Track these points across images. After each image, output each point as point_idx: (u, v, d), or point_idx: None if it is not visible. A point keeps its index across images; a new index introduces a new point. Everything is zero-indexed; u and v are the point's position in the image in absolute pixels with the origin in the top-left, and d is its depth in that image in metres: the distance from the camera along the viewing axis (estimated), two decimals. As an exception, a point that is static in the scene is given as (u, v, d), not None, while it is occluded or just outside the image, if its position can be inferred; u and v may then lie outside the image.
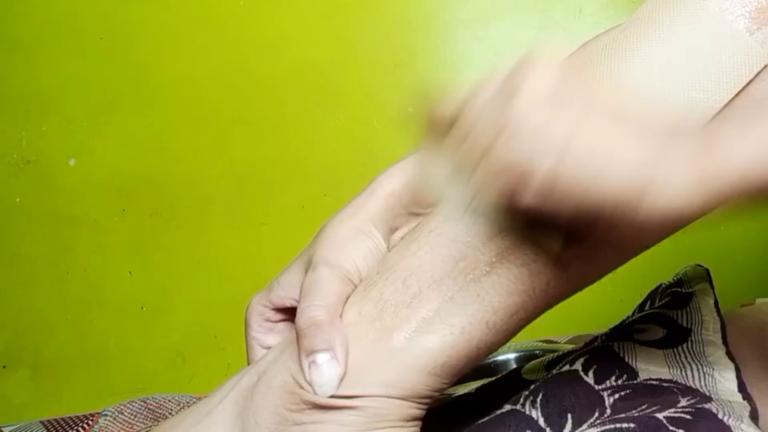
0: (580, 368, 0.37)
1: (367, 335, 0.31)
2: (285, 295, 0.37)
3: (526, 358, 0.59)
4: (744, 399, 0.33)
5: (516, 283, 0.31)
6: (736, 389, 0.33)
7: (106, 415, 0.54)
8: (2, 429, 0.59)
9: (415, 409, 0.31)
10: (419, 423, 0.33)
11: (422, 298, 0.31)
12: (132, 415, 0.54)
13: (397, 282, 0.32)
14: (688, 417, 0.30)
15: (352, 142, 0.94)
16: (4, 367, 0.94)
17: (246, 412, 0.32)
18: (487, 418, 0.36)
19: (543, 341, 0.68)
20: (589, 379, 0.36)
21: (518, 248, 0.31)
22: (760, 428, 0.31)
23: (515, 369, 0.44)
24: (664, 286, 0.44)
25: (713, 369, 0.35)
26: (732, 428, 0.29)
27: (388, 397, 0.30)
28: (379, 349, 0.31)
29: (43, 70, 0.97)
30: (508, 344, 0.43)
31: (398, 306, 0.31)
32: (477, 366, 0.36)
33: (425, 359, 0.30)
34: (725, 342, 0.37)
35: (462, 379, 0.34)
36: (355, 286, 0.33)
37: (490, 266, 0.31)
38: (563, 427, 0.33)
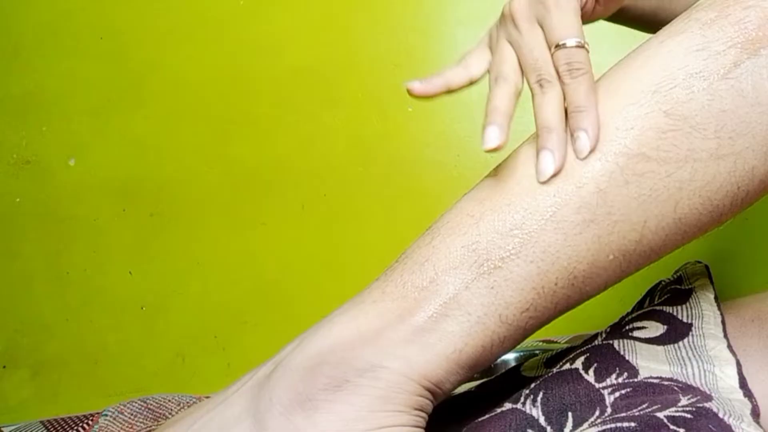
0: (580, 367, 0.37)
1: (393, 312, 0.33)
2: None
3: (525, 358, 0.59)
4: (745, 396, 0.33)
5: (526, 279, 0.33)
6: (737, 385, 0.33)
7: (106, 415, 0.54)
8: (2, 429, 0.59)
9: (424, 399, 0.32)
10: (425, 418, 0.33)
11: (439, 282, 0.33)
12: (132, 415, 0.54)
13: (414, 266, 0.34)
14: (689, 416, 0.30)
15: (352, 142, 0.94)
16: (4, 367, 0.94)
17: (261, 394, 0.33)
18: (487, 416, 0.36)
19: (543, 341, 0.68)
20: (590, 377, 0.36)
21: (527, 245, 0.33)
22: (761, 426, 0.31)
23: (514, 366, 0.44)
24: (663, 283, 0.44)
25: (714, 365, 0.35)
26: (733, 428, 0.29)
27: (407, 375, 0.31)
28: (404, 324, 0.32)
29: (43, 70, 0.97)
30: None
31: (417, 288, 0.33)
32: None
33: (445, 343, 0.32)
34: (726, 336, 0.37)
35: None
36: None
37: (502, 261, 0.33)
38: (564, 425, 0.33)
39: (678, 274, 0.45)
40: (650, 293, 0.44)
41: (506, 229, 0.33)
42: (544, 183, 0.34)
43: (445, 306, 0.33)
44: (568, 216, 0.33)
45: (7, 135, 0.97)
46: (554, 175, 0.34)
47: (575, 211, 0.33)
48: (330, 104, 0.94)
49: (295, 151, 0.94)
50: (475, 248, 0.33)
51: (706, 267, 0.44)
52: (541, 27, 0.38)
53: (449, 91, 0.42)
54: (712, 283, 0.42)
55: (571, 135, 0.35)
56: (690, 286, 0.42)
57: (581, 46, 0.36)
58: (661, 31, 0.36)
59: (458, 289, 0.33)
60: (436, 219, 0.37)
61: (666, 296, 0.42)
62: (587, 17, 0.43)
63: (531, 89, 0.38)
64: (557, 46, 0.37)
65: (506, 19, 0.40)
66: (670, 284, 0.44)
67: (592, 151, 0.33)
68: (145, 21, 0.97)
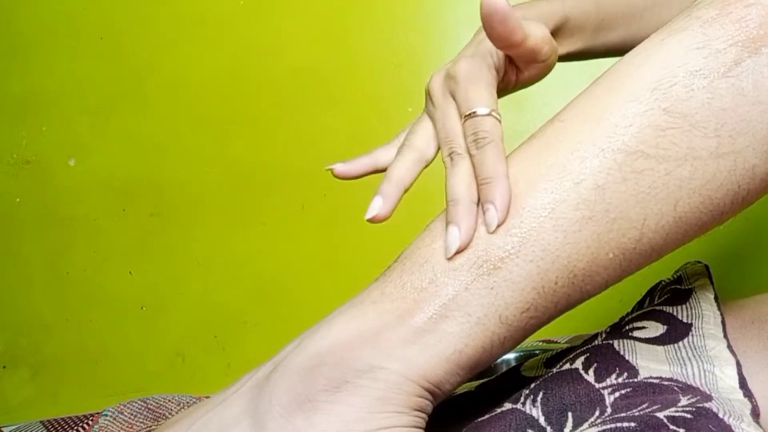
0: (580, 367, 0.37)
1: (392, 313, 0.33)
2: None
3: (525, 357, 0.59)
4: (745, 396, 0.33)
5: (526, 279, 0.33)
6: (737, 386, 0.33)
7: (106, 415, 0.54)
8: (2, 429, 0.59)
9: (424, 400, 0.32)
10: (425, 419, 0.33)
11: (438, 284, 0.33)
12: (132, 415, 0.54)
13: (413, 267, 0.34)
14: (689, 416, 0.30)
15: (352, 142, 0.94)
16: (4, 367, 0.94)
17: (261, 395, 0.33)
18: (487, 416, 0.36)
19: (543, 341, 0.68)
20: (590, 377, 0.36)
21: (526, 244, 0.32)
22: (761, 426, 0.31)
23: (514, 367, 0.44)
24: (663, 283, 0.44)
25: (714, 365, 0.35)
26: (733, 428, 0.29)
27: (406, 376, 0.31)
28: (404, 326, 0.32)
29: (43, 70, 0.97)
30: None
31: (416, 289, 0.33)
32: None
33: (445, 344, 0.32)
34: (726, 336, 0.37)
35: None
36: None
37: (502, 261, 0.33)
38: (564, 425, 0.33)
39: (678, 274, 0.45)
40: (650, 293, 0.44)
41: (504, 228, 0.33)
42: (450, 259, 0.33)
43: (444, 307, 0.32)
44: (566, 213, 0.33)
45: (7, 135, 0.97)
46: (460, 251, 0.33)
47: (573, 207, 0.33)
48: (330, 104, 0.94)
49: (295, 151, 0.94)
50: (474, 249, 0.33)
51: (707, 267, 0.44)
52: (455, 100, 0.39)
53: (377, 171, 0.43)
54: (712, 283, 0.42)
55: (481, 208, 0.34)
56: (690, 286, 0.42)
57: (488, 115, 0.37)
58: (661, 29, 0.36)
59: (458, 290, 0.33)
60: (434, 218, 0.37)
61: (666, 296, 0.42)
62: (511, 86, 0.44)
63: (444, 164, 0.39)
64: (466, 117, 0.38)
65: (426, 96, 0.42)
66: (670, 284, 0.44)
67: (501, 224, 0.33)
68: (145, 21, 0.97)
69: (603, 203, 0.33)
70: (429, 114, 0.42)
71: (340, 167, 0.42)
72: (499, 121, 0.37)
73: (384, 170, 0.43)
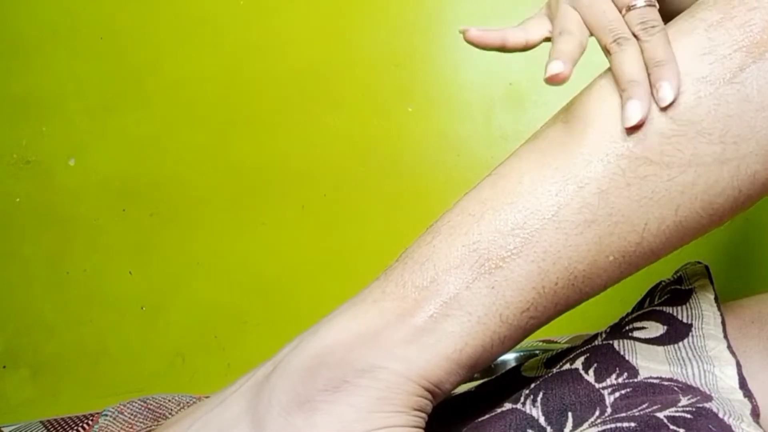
0: (580, 367, 0.37)
1: (392, 311, 0.33)
2: None
3: (526, 358, 0.59)
4: (745, 396, 0.33)
5: (526, 279, 0.33)
6: (737, 386, 0.33)
7: (106, 415, 0.54)
8: (2, 429, 0.59)
9: (424, 399, 0.32)
10: (425, 419, 0.33)
11: (440, 282, 0.33)
12: (132, 415, 0.54)
13: (414, 266, 0.34)
14: (689, 416, 0.30)
15: (352, 142, 0.94)
16: (4, 367, 0.94)
17: (260, 395, 0.33)
18: (487, 416, 0.36)
19: (543, 341, 0.68)
20: (590, 377, 0.36)
21: (528, 245, 0.33)
22: (761, 426, 0.31)
23: (515, 367, 0.44)
24: (663, 283, 0.44)
25: (714, 365, 0.35)
26: (733, 428, 0.29)
27: (406, 376, 0.31)
28: (404, 325, 0.32)
29: (43, 70, 0.97)
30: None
31: (417, 288, 0.33)
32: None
33: (445, 343, 0.32)
34: (726, 336, 0.37)
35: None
36: None
37: (503, 260, 0.33)
38: (563, 425, 0.33)
39: (678, 274, 0.45)
40: (650, 294, 0.45)
41: (508, 228, 0.33)
42: (629, 128, 0.33)
43: (445, 306, 0.33)
44: (569, 216, 0.33)
45: (7, 135, 0.97)
46: (639, 125, 0.33)
47: (576, 211, 0.33)
48: (330, 104, 0.94)
49: (295, 151, 0.94)
50: (476, 248, 0.33)
51: (707, 267, 0.44)
52: None
53: (503, 49, 0.42)
54: (712, 283, 0.43)
55: (653, 87, 0.34)
56: (690, 287, 0.42)
57: (652, 5, 0.37)
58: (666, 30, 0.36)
59: (459, 288, 0.33)
60: (437, 218, 0.37)
61: (666, 297, 0.42)
62: None
63: (608, 49, 0.38)
64: (628, 8, 0.37)
65: None
66: (670, 285, 0.44)
67: (672, 102, 0.33)
68: (145, 21, 0.97)
69: (606, 208, 0.33)
70: (574, 4, 0.40)
71: (474, 32, 0.41)
72: (658, 10, 0.37)
73: (510, 51, 0.42)
